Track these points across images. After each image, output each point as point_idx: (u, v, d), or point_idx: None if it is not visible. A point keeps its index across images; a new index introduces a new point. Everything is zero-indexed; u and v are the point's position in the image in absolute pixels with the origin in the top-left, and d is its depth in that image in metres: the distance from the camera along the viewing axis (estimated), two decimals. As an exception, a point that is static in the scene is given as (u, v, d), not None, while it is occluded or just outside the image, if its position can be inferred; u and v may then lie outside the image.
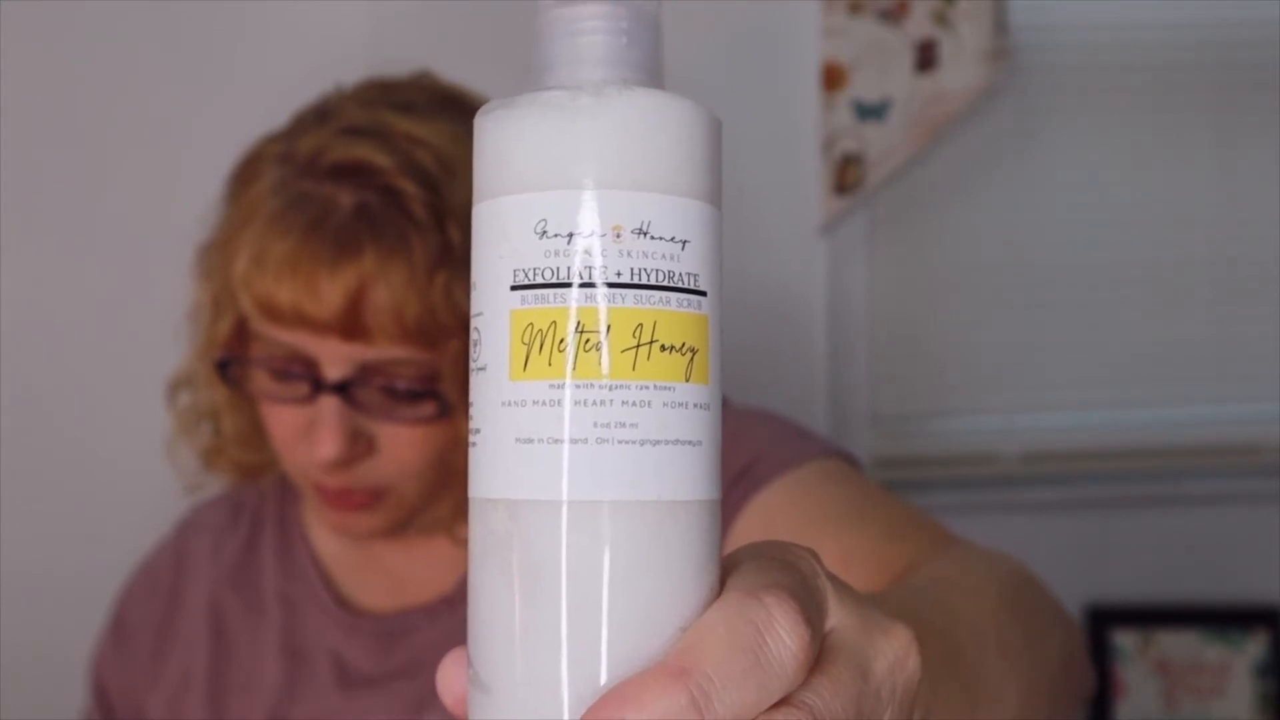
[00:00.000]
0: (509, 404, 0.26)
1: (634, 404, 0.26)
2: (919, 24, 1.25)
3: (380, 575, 0.82)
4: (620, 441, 0.26)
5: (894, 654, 0.31)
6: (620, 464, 0.26)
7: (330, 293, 0.67)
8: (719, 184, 0.28)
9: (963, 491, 1.40)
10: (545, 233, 0.26)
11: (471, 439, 0.28)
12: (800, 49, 1.28)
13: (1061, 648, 0.57)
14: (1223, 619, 1.38)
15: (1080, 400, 1.43)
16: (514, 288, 0.26)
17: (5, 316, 1.23)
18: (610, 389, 0.25)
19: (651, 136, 0.26)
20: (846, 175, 1.28)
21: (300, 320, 0.68)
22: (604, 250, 0.25)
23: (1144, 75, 1.38)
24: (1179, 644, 1.37)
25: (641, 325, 0.25)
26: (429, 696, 0.73)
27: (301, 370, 0.71)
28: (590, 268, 0.25)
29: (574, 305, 0.25)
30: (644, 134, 0.26)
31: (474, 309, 0.28)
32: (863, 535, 0.63)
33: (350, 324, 0.67)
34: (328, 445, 0.69)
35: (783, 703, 0.27)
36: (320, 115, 0.74)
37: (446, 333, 0.69)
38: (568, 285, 0.25)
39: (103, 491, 1.26)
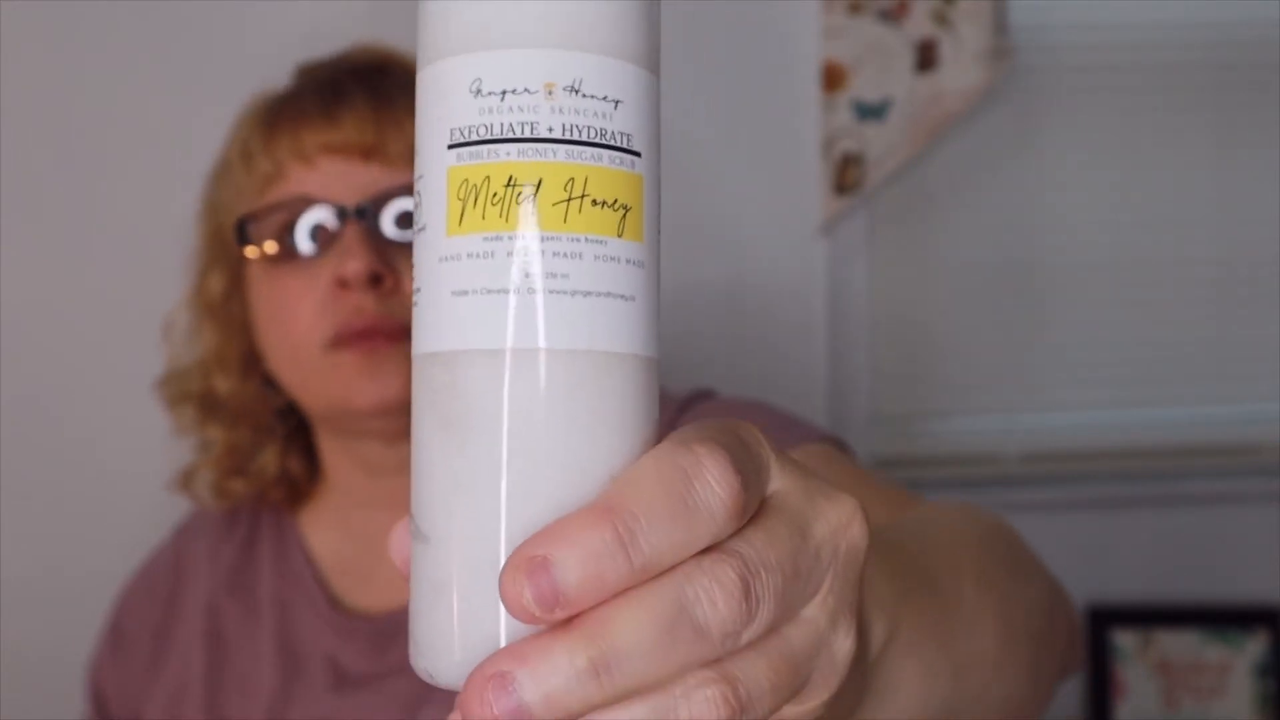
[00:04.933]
0: (445, 259, 0.27)
1: (565, 255, 0.26)
2: (919, 24, 1.25)
3: (375, 576, 0.82)
4: (552, 291, 0.26)
5: (837, 519, 0.31)
6: (552, 313, 0.26)
7: (350, 117, 0.73)
8: (656, 50, 0.28)
9: (963, 491, 1.40)
10: (479, 91, 0.26)
11: (414, 299, 0.29)
12: (800, 49, 1.28)
13: (1044, 597, 0.57)
14: (1223, 619, 1.38)
15: (1080, 400, 1.43)
16: (450, 146, 0.27)
17: (5, 317, 1.23)
18: (542, 240, 0.26)
19: None
20: (846, 175, 1.27)
21: (324, 148, 0.73)
22: (535, 106, 0.26)
23: (1143, 76, 1.38)
24: (1179, 644, 1.37)
25: (573, 180, 0.26)
26: (424, 694, 0.73)
27: (320, 214, 0.73)
28: (522, 123, 0.26)
29: (506, 160, 0.26)
30: None
31: (416, 172, 0.29)
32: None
33: (374, 143, 0.73)
34: (358, 257, 0.71)
35: (713, 549, 0.28)
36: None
37: None
38: (500, 141, 0.26)
39: (103, 492, 1.26)
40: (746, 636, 0.28)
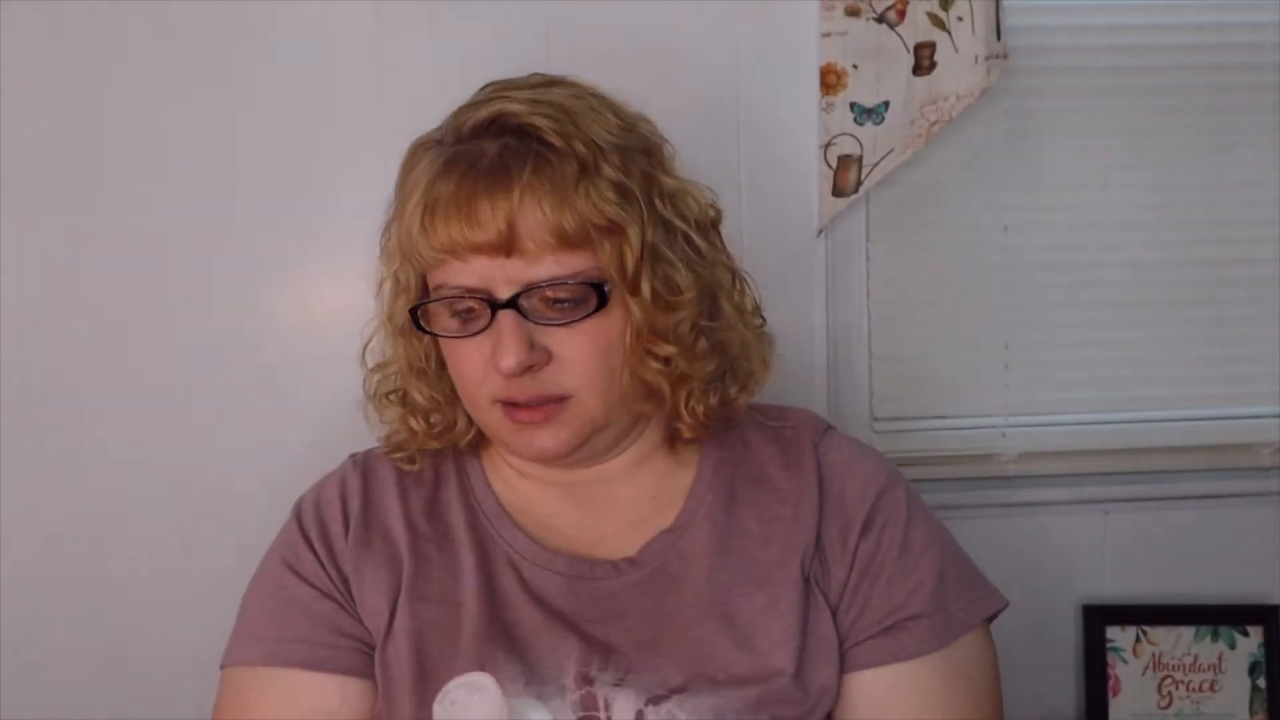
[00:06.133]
0: None
1: None
2: (917, 27, 1.26)
3: (561, 528, 0.92)
4: None
5: None
6: None
7: (490, 219, 0.82)
8: None
9: (961, 491, 1.41)
10: None
11: None
12: (799, 50, 1.29)
13: None
14: (1218, 617, 1.39)
15: (1078, 400, 1.43)
16: None
17: (5, 317, 1.24)
18: None
19: None
20: (845, 177, 1.29)
21: (470, 248, 0.83)
22: None
23: (1140, 77, 1.39)
24: (1174, 641, 1.38)
25: None
26: (608, 647, 0.85)
27: (477, 303, 0.85)
28: None
29: None
30: None
31: None
32: None
33: (510, 242, 0.82)
34: (510, 353, 0.83)
35: None
36: (455, 114, 0.91)
37: (596, 235, 0.84)
38: None
39: (103, 492, 1.26)
40: None
